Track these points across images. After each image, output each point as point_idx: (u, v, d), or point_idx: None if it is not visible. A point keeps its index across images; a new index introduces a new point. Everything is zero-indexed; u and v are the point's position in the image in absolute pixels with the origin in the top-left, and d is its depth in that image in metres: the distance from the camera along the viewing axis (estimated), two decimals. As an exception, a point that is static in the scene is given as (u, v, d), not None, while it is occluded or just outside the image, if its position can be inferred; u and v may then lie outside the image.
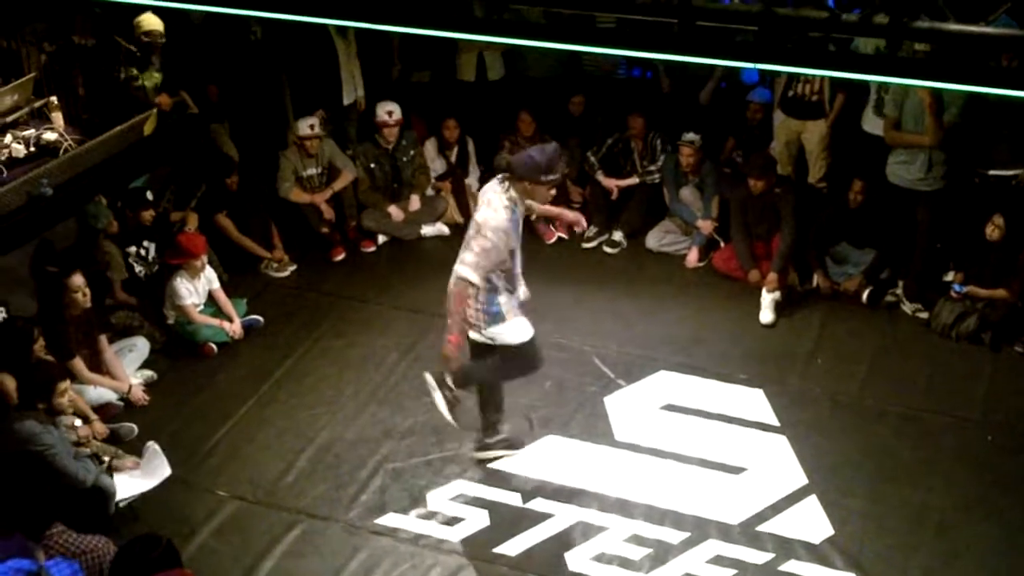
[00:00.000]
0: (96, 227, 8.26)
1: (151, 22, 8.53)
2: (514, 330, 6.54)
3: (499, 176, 6.50)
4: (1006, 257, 8.18)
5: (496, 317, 6.47)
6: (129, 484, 6.73)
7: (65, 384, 6.62)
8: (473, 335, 6.63)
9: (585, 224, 7.35)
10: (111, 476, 6.63)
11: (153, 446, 6.96)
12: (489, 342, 6.61)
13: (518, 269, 6.62)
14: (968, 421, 7.46)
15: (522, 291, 6.78)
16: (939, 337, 8.30)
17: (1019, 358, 8.07)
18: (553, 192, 6.49)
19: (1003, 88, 5.17)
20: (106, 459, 6.80)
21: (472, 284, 6.27)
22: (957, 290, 8.29)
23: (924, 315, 8.49)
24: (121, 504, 6.59)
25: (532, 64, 10.37)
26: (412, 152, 9.96)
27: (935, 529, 6.58)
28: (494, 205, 6.34)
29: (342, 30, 9.74)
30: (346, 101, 10.07)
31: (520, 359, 6.72)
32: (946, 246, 8.67)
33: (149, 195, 8.74)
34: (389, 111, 9.76)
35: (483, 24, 5.96)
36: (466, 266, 6.28)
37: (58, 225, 8.12)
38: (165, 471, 6.84)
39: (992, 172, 8.42)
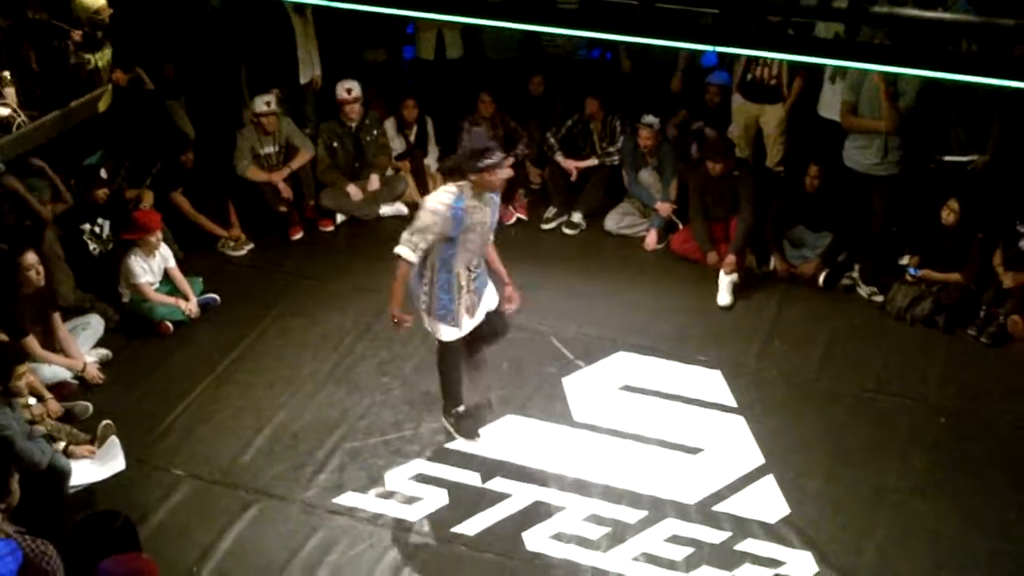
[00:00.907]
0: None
1: (94, 1, 8.37)
2: (447, 331, 6.68)
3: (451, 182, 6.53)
4: (960, 241, 8.28)
5: (443, 316, 6.61)
6: (83, 472, 6.67)
7: (24, 367, 6.53)
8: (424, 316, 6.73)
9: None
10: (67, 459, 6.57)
11: (113, 439, 6.90)
12: (428, 329, 6.78)
13: (461, 265, 6.55)
14: (922, 403, 7.53)
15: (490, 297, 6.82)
16: (894, 320, 8.38)
17: (972, 341, 8.15)
18: (506, 173, 6.50)
19: (960, 73, 5.23)
20: (61, 443, 6.72)
21: (405, 260, 6.41)
22: (912, 273, 8.38)
23: (879, 298, 8.57)
24: (72, 491, 6.52)
25: (491, 45, 10.34)
26: (375, 131, 9.91)
27: (890, 509, 6.64)
28: (438, 190, 6.50)
29: (299, 8, 9.66)
30: (303, 80, 10.00)
31: (445, 356, 6.88)
32: (901, 230, 8.75)
33: (103, 173, 8.62)
34: (348, 88, 9.69)
35: (443, 2, 5.95)
36: (401, 243, 6.42)
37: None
38: (120, 465, 6.76)
39: (947, 158, 8.49)
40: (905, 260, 8.56)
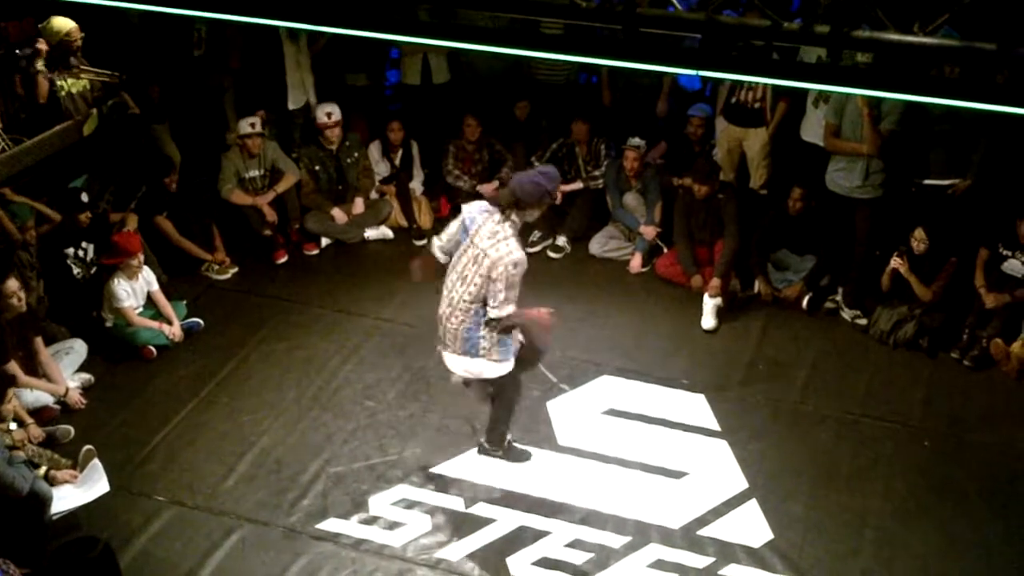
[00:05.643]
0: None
1: (64, 24, 8.33)
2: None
3: (495, 210, 6.42)
4: (934, 266, 8.32)
5: (505, 352, 6.57)
6: (67, 496, 6.66)
7: (10, 391, 6.52)
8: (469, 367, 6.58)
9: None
10: (49, 485, 6.54)
11: (95, 462, 6.89)
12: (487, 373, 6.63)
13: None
14: (906, 427, 7.54)
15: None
16: (877, 343, 8.40)
17: (955, 364, 8.17)
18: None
19: (943, 98, 5.24)
20: (43, 468, 6.69)
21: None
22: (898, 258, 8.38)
23: (863, 322, 8.59)
24: (56, 516, 6.50)
25: (480, 65, 10.35)
26: (356, 154, 9.91)
27: (873, 534, 6.65)
28: (500, 236, 6.33)
29: (293, 34, 9.66)
30: (292, 105, 9.98)
31: (512, 386, 6.86)
32: (884, 254, 8.76)
33: (84, 196, 8.59)
34: (328, 112, 9.70)
35: (428, 27, 5.96)
36: (503, 304, 6.35)
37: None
38: (103, 487, 6.77)
39: (927, 181, 8.53)
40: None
